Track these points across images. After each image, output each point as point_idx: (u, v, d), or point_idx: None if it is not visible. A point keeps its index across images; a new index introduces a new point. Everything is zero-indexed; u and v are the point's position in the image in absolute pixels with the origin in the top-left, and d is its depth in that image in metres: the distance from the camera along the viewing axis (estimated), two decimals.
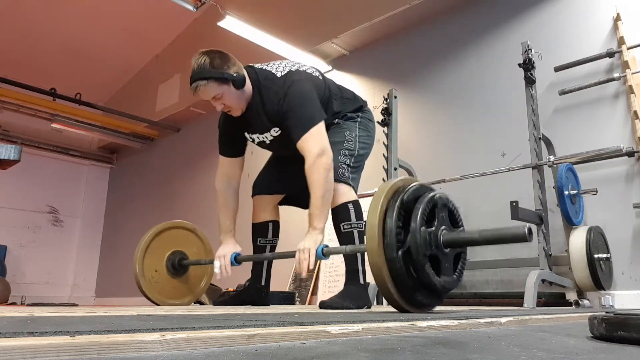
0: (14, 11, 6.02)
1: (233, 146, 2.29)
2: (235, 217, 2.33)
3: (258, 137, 2.22)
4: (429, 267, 1.36)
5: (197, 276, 2.63)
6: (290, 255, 1.94)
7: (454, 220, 1.52)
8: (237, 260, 2.22)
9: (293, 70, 2.10)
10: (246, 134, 2.24)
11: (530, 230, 1.30)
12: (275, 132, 2.15)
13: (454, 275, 1.48)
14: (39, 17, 6.16)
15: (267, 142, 2.22)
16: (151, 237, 2.47)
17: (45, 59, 6.78)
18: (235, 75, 2.01)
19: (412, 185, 1.47)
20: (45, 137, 7.39)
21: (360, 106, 2.31)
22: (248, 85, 2.09)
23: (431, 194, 1.45)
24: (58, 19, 6.23)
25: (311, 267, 1.86)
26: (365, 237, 1.41)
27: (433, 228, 1.41)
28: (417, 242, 1.35)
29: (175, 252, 2.52)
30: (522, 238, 1.32)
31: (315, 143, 1.95)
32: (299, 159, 2.09)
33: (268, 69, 2.12)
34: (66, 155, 7.79)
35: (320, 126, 1.99)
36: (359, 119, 2.25)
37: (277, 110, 2.05)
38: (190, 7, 5.43)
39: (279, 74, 2.08)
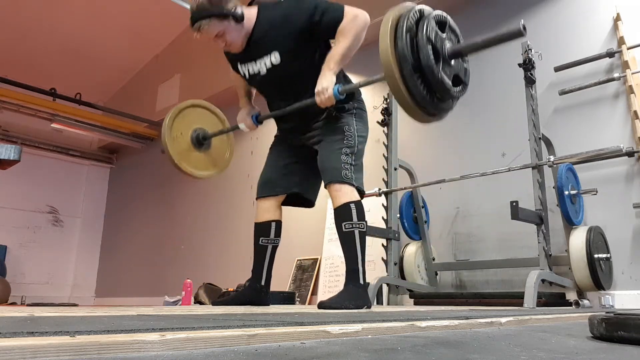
0: (14, 11, 6.02)
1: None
2: (249, 90, 2.47)
3: (253, 68, 2.21)
4: (436, 67, 1.54)
5: (221, 149, 2.74)
6: (311, 102, 2.05)
7: (457, 42, 1.71)
8: (258, 120, 2.38)
9: None
10: (240, 66, 2.26)
11: (524, 26, 1.51)
12: (275, 59, 2.14)
13: (462, 83, 1.70)
14: (39, 17, 6.16)
15: (263, 73, 2.20)
16: (181, 108, 2.59)
17: (45, 59, 6.78)
18: (234, 9, 2.06)
19: (422, 7, 1.64)
20: (45, 137, 7.39)
21: (353, 94, 2.30)
22: (248, 17, 2.12)
23: (438, 13, 1.62)
24: (58, 19, 6.23)
25: (332, 102, 2.02)
26: (381, 61, 1.56)
27: (439, 39, 1.59)
28: (425, 45, 1.52)
29: (200, 128, 2.63)
30: (519, 33, 1.54)
31: (350, 10, 2.04)
32: (300, 154, 2.12)
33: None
34: (66, 155, 7.79)
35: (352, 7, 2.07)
36: (354, 111, 2.25)
37: (288, 20, 2.08)
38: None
39: None
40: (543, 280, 2.67)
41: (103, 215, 8.23)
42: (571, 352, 0.73)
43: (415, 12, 1.61)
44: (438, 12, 1.64)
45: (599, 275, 2.71)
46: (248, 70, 2.24)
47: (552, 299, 2.87)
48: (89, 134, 7.39)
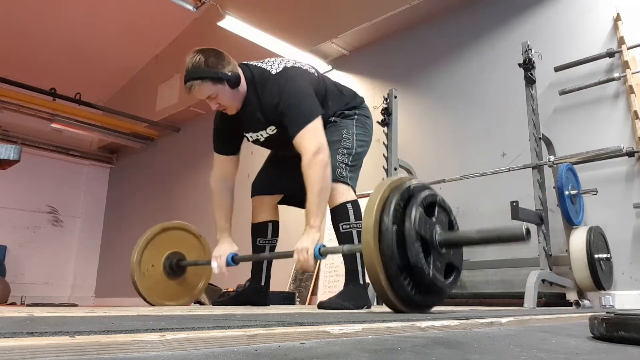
0: (14, 11, 6.01)
1: (228, 144, 2.29)
2: (231, 216, 2.31)
3: (252, 136, 2.21)
4: (426, 265, 1.36)
5: (195, 277, 2.60)
6: (288, 255, 1.94)
7: (449, 221, 1.53)
8: (234, 260, 2.20)
9: (288, 66, 2.08)
10: (241, 132, 2.24)
11: (528, 230, 1.29)
12: (271, 130, 2.14)
13: (447, 281, 1.47)
14: (39, 17, 6.16)
15: (262, 139, 2.21)
16: (149, 238, 2.44)
17: (45, 58, 6.78)
18: (230, 74, 2.01)
19: (407, 184, 1.47)
20: (45, 137, 7.39)
21: (357, 104, 2.30)
22: (243, 83, 2.08)
23: (425, 194, 1.45)
24: (58, 19, 6.23)
25: (310, 265, 1.85)
26: (362, 240, 1.40)
27: (429, 228, 1.41)
28: (413, 242, 1.35)
29: (174, 253, 2.49)
30: (520, 238, 1.30)
31: (311, 140, 1.93)
32: (296, 157, 2.09)
33: (263, 67, 2.11)
34: (66, 155, 7.79)
35: (317, 122, 1.98)
36: (356, 117, 2.25)
37: (273, 107, 2.04)
38: (190, 7, 5.43)
39: (273, 71, 2.07)
40: (543, 281, 2.67)
41: (103, 215, 8.23)
42: (571, 353, 0.73)
43: (404, 193, 1.44)
44: (426, 191, 1.48)
45: (599, 276, 2.71)
46: (249, 137, 2.24)
47: (552, 299, 2.87)
48: (89, 134, 7.39)
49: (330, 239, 4.37)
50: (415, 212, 1.38)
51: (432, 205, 1.46)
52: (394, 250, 1.35)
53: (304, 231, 1.90)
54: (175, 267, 2.47)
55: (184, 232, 2.60)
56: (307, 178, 1.91)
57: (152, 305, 2.40)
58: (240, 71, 2.08)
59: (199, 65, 1.98)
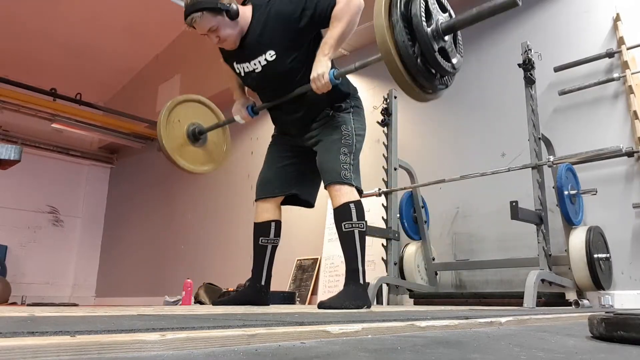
0: (15, 11, 6.02)
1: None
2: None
3: (247, 67, 2.20)
4: (435, 51, 1.56)
5: (218, 143, 2.73)
6: (306, 88, 2.04)
7: (443, 10, 1.71)
8: (253, 110, 2.38)
9: None
10: (235, 64, 2.25)
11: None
12: (270, 56, 2.13)
13: (459, 55, 1.70)
14: (40, 18, 6.16)
15: (258, 70, 2.18)
16: (171, 107, 2.56)
17: (46, 59, 6.79)
18: (228, 5, 2.05)
19: None
20: (46, 137, 7.39)
21: (352, 90, 2.30)
22: (244, 15, 2.12)
23: None
24: (58, 19, 6.23)
25: (329, 88, 2.01)
26: (380, 52, 1.55)
27: (432, 23, 1.60)
28: (421, 30, 1.55)
29: (193, 124, 2.62)
30: (513, 3, 1.51)
31: None
32: (298, 154, 2.11)
33: None
34: (66, 155, 7.80)
35: None
36: (351, 109, 2.24)
37: (289, 20, 2.06)
38: None
39: None
40: (543, 280, 2.67)
41: (103, 215, 8.23)
42: (571, 352, 0.73)
43: None
44: None
45: (599, 275, 2.71)
46: (243, 69, 2.23)
47: (551, 298, 2.87)
48: (89, 134, 7.39)
49: (329, 239, 4.38)
50: (418, 11, 1.56)
51: (437, 1, 1.66)
52: (403, 29, 1.53)
53: (317, 60, 2.02)
54: (199, 134, 2.61)
55: (204, 107, 2.72)
56: (336, 15, 1.99)
57: (181, 168, 2.55)
58: (237, 4, 2.11)
59: None
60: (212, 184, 5.90)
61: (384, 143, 3.58)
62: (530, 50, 3.00)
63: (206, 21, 2.04)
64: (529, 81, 3.00)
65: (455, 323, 1.04)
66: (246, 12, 2.14)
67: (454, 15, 1.70)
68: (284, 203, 2.41)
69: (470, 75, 3.96)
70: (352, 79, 5.11)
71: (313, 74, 2.00)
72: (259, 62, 2.17)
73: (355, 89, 2.35)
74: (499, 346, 0.78)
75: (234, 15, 2.07)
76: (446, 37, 1.64)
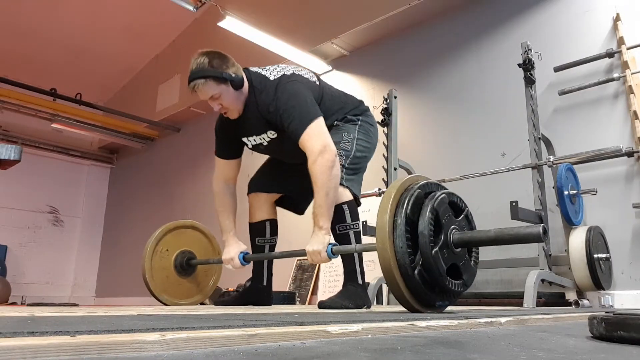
0: (15, 11, 6.02)
1: (230, 149, 2.28)
2: (235, 217, 2.33)
3: (255, 140, 2.19)
4: (441, 266, 1.35)
5: (206, 276, 2.63)
6: (298, 254, 1.95)
7: (458, 213, 1.51)
8: (245, 259, 2.24)
9: (287, 74, 2.08)
10: (243, 138, 2.22)
11: (545, 229, 1.29)
12: (272, 134, 2.14)
13: (472, 267, 1.49)
14: (40, 18, 6.16)
15: (265, 144, 2.19)
16: (159, 237, 2.48)
17: (46, 59, 6.79)
18: (233, 75, 2.01)
19: (421, 183, 1.46)
20: (46, 137, 7.39)
21: (361, 111, 2.29)
22: (246, 87, 2.09)
23: (433, 199, 1.42)
24: (58, 19, 6.23)
25: (327, 262, 1.90)
26: (378, 258, 1.39)
27: (441, 237, 1.39)
28: (429, 259, 1.33)
29: (183, 252, 2.52)
30: (537, 238, 1.32)
31: (316, 140, 1.92)
32: (298, 164, 2.09)
33: (262, 73, 2.11)
34: (66, 155, 7.79)
35: (319, 122, 1.97)
36: (359, 122, 2.23)
37: (269, 112, 2.04)
38: (191, 8, 5.43)
39: (271, 77, 2.07)
40: (543, 280, 2.67)
41: (103, 215, 8.23)
42: (571, 352, 0.73)
43: (418, 192, 1.42)
44: (445, 191, 1.46)
45: (599, 275, 2.71)
46: (250, 142, 2.22)
47: (551, 298, 2.87)
48: (89, 134, 7.39)
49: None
50: (429, 212, 1.36)
51: (448, 205, 1.44)
52: (408, 250, 1.34)
53: (313, 232, 1.90)
54: (186, 266, 2.51)
55: (194, 230, 2.62)
56: (314, 179, 1.90)
57: (165, 304, 2.42)
58: (243, 74, 2.08)
59: (203, 65, 1.99)
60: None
61: (384, 143, 3.58)
62: (530, 50, 3.00)
63: (209, 88, 2.00)
64: (529, 81, 3.00)
65: (455, 323, 1.04)
66: (246, 85, 2.10)
67: (470, 217, 1.52)
68: (278, 204, 2.41)
69: (471, 75, 3.96)
70: (353, 79, 5.10)
71: (309, 248, 1.88)
72: (264, 138, 2.17)
73: (365, 108, 2.32)
74: (499, 346, 0.78)
75: (237, 85, 2.03)
76: (458, 250, 1.44)
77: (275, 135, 2.13)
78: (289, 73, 2.09)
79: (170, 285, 2.47)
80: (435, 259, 1.34)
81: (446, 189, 1.50)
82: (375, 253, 3.59)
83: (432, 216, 1.37)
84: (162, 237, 2.51)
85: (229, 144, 2.28)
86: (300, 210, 2.43)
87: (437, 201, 1.41)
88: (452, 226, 1.43)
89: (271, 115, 2.03)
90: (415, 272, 1.35)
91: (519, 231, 1.38)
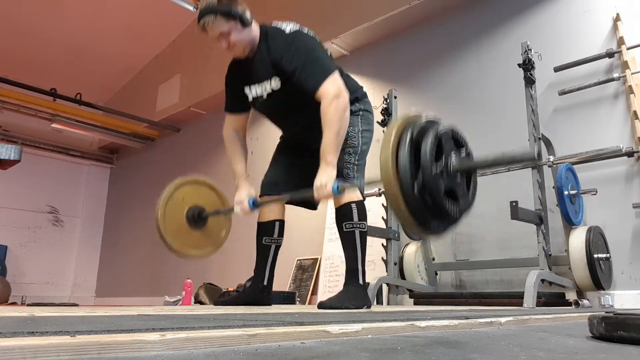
0: (15, 11, 6.02)
1: (238, 101, 2.31)
2: (246, 163, 2.38)
3: (256, 91, 2.20)
4: (446, 200, 1.42)
5: (217, 228, 2.67)
6: (308, 194, 2.00)
7: (459, 147, 1.58)
8: (255, 204, 2.29)
9: (303, 30, 2.14)
10: (245, 88, 2.24)
11: (539, 152, 1.38)
12: (275, 82, 2.14)
13: (469, 198, 1.55)
14: (40, 17, 6.16)
15: (265, 96, 2.19)
16: (170, 193, 2.51)
17: (46, 59, 6.79)
18: (242, 12, 2.07)
19: (419, 121, 1.53)
20: (46, 137, 7.39)
21: (361, 95, 2.30)
22: (255, 29, 2.14)
23: (438, 127, 1.49)
24: (58, 19, 6.23)
25: (330, 198, 1.97)
26: (380, 173, 1.46)
27: (442, 160, 1.47)
28: (430, 178, 1.41)
29: (197, 206, 2.57)
30: (532, 158, 1.40)
31: (331, 85, 1.98)
32: (305, 157, 2.10)
33: (277, 25, 2.18)
34: (66, 155, 7.79)
35: (336, 74, 2.03)
36: (360, 112, 2.25)
37: (282, 61, 2.06)
38: (190, 7, 5.43)
39: (287, 30, 2.12)
40: (543, 280, 2.67)
41: (103, 215, 8.23)
42: (571, 352, 0.73)
43: (422, 122, 1.50)
44: (446, 124, 1.52)
45: (599, 275, 2.71)
46: (252, 92, 2.23)
47: (551, 298, 2.87)
48: (89, 134, 7.39)
49: (329, 239, 4.38)
50: (432, 138, 1.44)
51: (451, 137, 1.53)
52: (413, 184, 1.41)
53: (320, 168, 1.96)
54: (197, 218, 2.55)
55: (203, 186, 2.67)
56: (326, 117, 1.96)
57: (177, 252, 2.48)
58: (254, 22, 2.13)
59: (213, 3, 2.05)
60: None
61: None
62: (530, 50, 3.00)
63: (219, 25, 2.05)
64: (529, 81, 3.00)
65: (455, 323, 1.04)
66: (255, 29, 2.15)
67: (470, 151, 1.58)
68: (288, 202, 2.42)
69: (471, 75, 3.96)
70: (354, 78, 5.10)
71: (316, 182, 1.94)
72: (266, 87, 2.17)
73: (364, 93, 2.35)
74: (499, 346, 0.78)
75: (246, 23, 2.09)
76: (459, 177, 1.51)
77: (279, 87, 2.13)
78: (305, 31, 2.14)
79: (180, 234, 2.52)
80: (436, 179, 1.42)
81: (440, 123, 1.58)
82: (376, 253, 3.56)
83: (435, 141, 1.46)
84: (182, 185, 2.56)
85: (237, 96, 2.30)
86: (313, 206, 2.44)
87: (441, 130, 1.49)
88: (453, 153, 1.52)
89: (285, 62, 2.05)
90: (415, 188, 1.42)
91: (515, 154, 1.48)
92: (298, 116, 2.18)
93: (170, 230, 2.46)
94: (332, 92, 1.97)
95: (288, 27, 2.14)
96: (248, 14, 2.10)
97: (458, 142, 1.56)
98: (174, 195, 2.51)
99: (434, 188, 1.41)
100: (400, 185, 1.42)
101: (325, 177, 1.93)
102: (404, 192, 1.41)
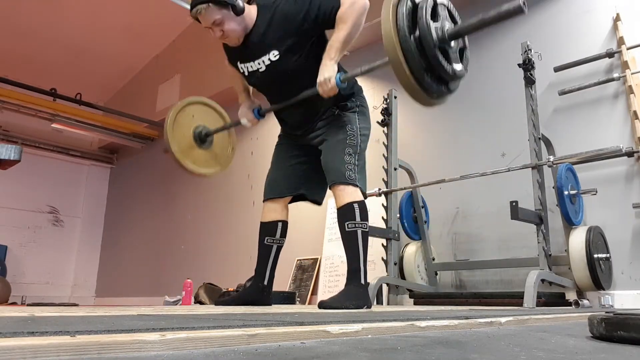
0: (15, 11, 6.01)
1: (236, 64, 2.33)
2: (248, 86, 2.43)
3: (251, 66, 2.20)
4: (440, 55, 1.57)
5: (223, 145, 2.70)
6: (313, 92, 2.04)
7: (453, 18, 1.73)
8: (260, 113, 2.35)
9: None
10: (239, 64, 2.24)
11: (525, 2, 1.44)
12: (273, 56, 2.13)
13: (461, 64, 1.72)
14: (40, 18, 6.16)
15: (262, 69, 2.18)
16: (182, 106, 2.55)
17: (46, 59, 6.79)
18: (235, 1, 2.05)
19: None
20: (46, 137, 7.39)
21: (357, 90, 2.30)
22: (248, 14, 2.12)
23: None
24: (58, 19, 6.23)
25: (335, 92, 2.01)
26: (381, 22, 1.58)
27: (439, 23, 1.60)
28: (427, 33, 1.53)
29: (201, 126, 2.59)
30: (519, 10, 1.46)
31: None
32: (305, 155, 2.11)
33: None
34: (66, 155, 7.80)
35: None
36: (357, 109, 2.25)
37: (294, 20, 2.06)
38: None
39: None
40: (543, 280, 2.67)
41: (103, 215, 8.23)
42: (571, 352, 0.73)
43: None
44: None
45: (599, 275, 2.71)
46: (247, 68, 2.23)
47: (551, 298, 2.87)
48: (89, 134, 7.39)
49: (329, 239, 4.38)
50: (427, 6, 1.56)
51: (443, 7, 1.67)
52: (409, 34, 1.55)
53: (323, 64, 2.02)
54: (205, 137, 2.58)
55: (210, 109, 2.70)
56: (343, 17, 2.00)
57: (183, 167, 2.47)
58: (244, 1, 2.12)
59: None
60: (212, 184, 5.89)
61: (384, 143, 3.58)
62: (530, 50, 3.00)
63: (211, 13, 2.04)
64: (529, 81, 3.00)
65: (455, 323, 1.04)
66: (251, 11, 2.15)
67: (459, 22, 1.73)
68: (291, 200, 2.42)
69: (471, 75, 3.92)
70: None
71: (319, 78, 2.00)
72: (263, 61, 2.16)
73: (360, 88, 2.35)
74: (499, 346, 0.78)
75: (239, 11, 2.07)
76: (452, 43, 1.65)
77: (277, 58, 2.13)
78: None
79: (191, 154, 2.54)
80: (430, 33, 1.55)
81: None
82: (376, 253, 3.56)
83: (433, 3, 1.60)
84: (195, 103, 2.61)
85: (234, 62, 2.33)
86: (317, 202, 2.44)
87: (429, 3, 1.63)
88: (446, 22, 1.68)
89: (299, 22, 2.06)
90: (411, 37, 1.55)
91: (500, 10, 1.58)
92: (294, 83, 2.17)
93: (177, 140, 2.49)
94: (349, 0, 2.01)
95: None
96: (241, 2, 2.08)
97: (452, 16, 1.71)
98: (186, 109, 2.55)
99: (429, 41, 1.53)
100: (398, 36, 1.54)
101: (327, 72, 2.00)
102: (402, 43, 1.54)
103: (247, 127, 2.43)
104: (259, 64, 2.18)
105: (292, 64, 2.12)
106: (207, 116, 2.66)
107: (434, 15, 1.59)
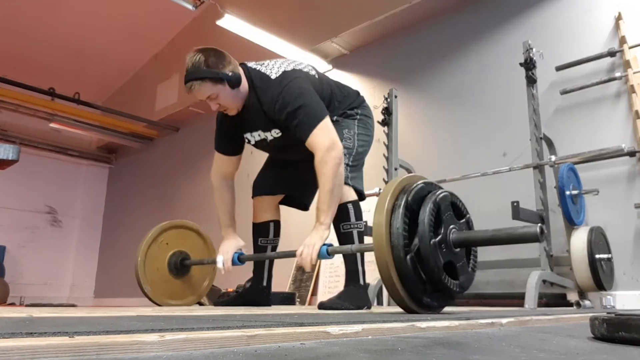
0: (13, 11, 6.01)
1: (231, 144, 2.26)
2: (234, 212, 2.32)
3: (259, 135, 2.16)
4: (444, 275, 1.33)
5: (200, 276, 2.60)
6: (294, 254, 1.92)
7: (460, 216, 1.49)
8: (240, 259, 2.21)
9: (288, 70, 2.05)
10: (245, 134, 2.20)
11: (542, 229, 1.28)
12: (275, 133, 2.12)
13: (470, 271, 1.47)
14: (38, 17, 6.15)
15: (268, 140, 2.17)
16: (154, 236, 2.45)
17: (44, 58, 6.78)
18: (230, 74, 1.98)
19: (416, 184, 1.45)
20: (44, 136, 7.38)
21: (359, 103, 2.29)
22: (244, 84, 2.06)
23: (436, 194, 1.42)
24: (57, 18, 6.22)
25: (313, 262, 1.83)
26: (372, 237, 1.38)
27: (441, 231, 1.37)
28: (427, 250, 1.31)
29: (177, 252, 2.49)
30: (534, 238, 1.31)
31: (323, 137, 1.91)
32: (300, 160, 2.08)
33: (262, 70, 2.07)
34: (65, 155, 7.78)
35: (327, 121, 1.96)
36: (358, 117, 2.24)
37: (274, 112, 2.01)
38: (190, 6, 5.42)
39: (273, 76, 2.03)
40: (544, 281, 2.67)
41: (102, 216, 8.22)
42: (572, 353, 0.72)
43: (419, 188, 1.41)
44: (444, 191, 1.43)
45: (600, 276, 2.70)
46: (253, 137, 2.18)
47: (553, 299, 2.86)
48: (88, 134, 7.38)
49: (330, 239, 4.37)
50: (428, 212, 1.33)
51: (450, 204, 1.43)
52: (406, 254, 1.32)
53: (314, 227, 1.89)
54: (180, 266, 2.48)
55: (188, 230, 2.59)
56: (320, 174, 1.90)
57: (157, 304, 2.40)
58: (241, 71, 2.06)
59: (199, 65, 1.96)
60: (211, 184, 5.89)
61: (384, 143, 3.58)
62: (531, 49, 2.99)
63: (206, 89, 1.97)
64: (531, 80, 3.00)
65: (456, 324, 1.03)
66: (245, 83, 2.07)
67: (471, 223, 1.51)
68: (282, 203, 2.41)
69: (472, 74, 3.96)
70: (353, 78, 5.10)
71: (306, 241, 1.86)
72: (268, 136, 2.14)
73: (362, 99, 2.32)
74: (500, 347, 0.78)
75: (235, 84, 2.00)
76: (457, 250, 1.41)
77: (280, 135, 2.12)
78: (289, 69, 2.05)
79: (161, 282, 2.45)
80: (434, 251, 1.31)
81: (439, 188, 1.50)
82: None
83: (434, 208, 1.35)
84: (168, 229, 2.50)
85: (230, 138, 2.25)
86: (304, 207, 2.43)
87: (440, 197, 1.40)
88: (452, 225, 1.41)
89: (277, 114, 2.00)
90: (408, 257, 1.31)
91: (514, 231, 1.39)
92: (303, 149, 2.07)
93: (151, 277, 2.41)
94: (324, 144, 1.90)
95: (273, 70, 2.06)
96: (236, 73, 2.01)
97: (458, 210, 1.46)
98: (158, 238, 2.44)
99: (431, 261, 1.29)
100: (392, 252, 1.30)
101: (316, 237, 1.85)
102: (397, 261, 1.30)
103: (220, 270, 2.22)
104: (265, 135, 2.14)
105: (297, 139, 2.03)
106: (183, 239, 2.52)
107: (439, 220, 1.36)
